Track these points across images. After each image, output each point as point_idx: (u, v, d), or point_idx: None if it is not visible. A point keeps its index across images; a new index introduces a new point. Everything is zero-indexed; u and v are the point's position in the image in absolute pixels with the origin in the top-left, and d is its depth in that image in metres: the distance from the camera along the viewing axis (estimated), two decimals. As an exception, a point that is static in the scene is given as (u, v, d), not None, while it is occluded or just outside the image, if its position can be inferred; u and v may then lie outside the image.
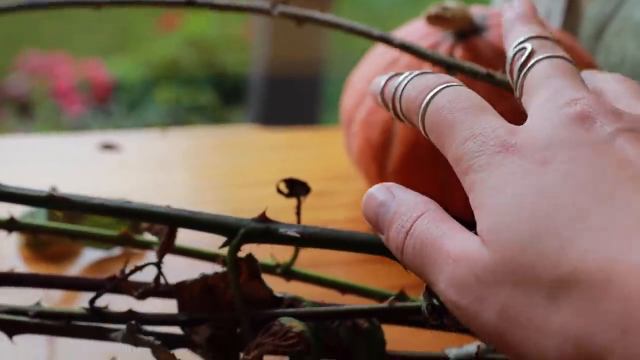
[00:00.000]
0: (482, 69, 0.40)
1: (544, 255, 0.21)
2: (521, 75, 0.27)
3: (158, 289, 0.35)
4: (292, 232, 0.32)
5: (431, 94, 0.27)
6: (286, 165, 0.56)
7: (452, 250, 0.24)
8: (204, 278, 0.34)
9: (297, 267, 0.39)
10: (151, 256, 0.44)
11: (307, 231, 0.32)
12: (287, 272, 0.39)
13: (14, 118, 1.74)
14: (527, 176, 0.22)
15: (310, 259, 0.40)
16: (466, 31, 0.47)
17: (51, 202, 0.34)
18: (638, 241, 0.20)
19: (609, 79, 0.28)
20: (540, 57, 0.26)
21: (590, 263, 0.20)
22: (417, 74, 0.28)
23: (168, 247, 0.35)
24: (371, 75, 0.49)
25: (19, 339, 0.34)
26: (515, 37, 0.28)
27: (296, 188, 0.36)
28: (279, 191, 0.35)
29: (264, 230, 0.32)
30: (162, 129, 0.60)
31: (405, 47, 0.41)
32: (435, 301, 0.27)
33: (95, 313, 0.34)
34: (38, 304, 0.34)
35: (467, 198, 0.50)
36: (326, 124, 1.58)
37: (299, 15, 0.41)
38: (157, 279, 0.35)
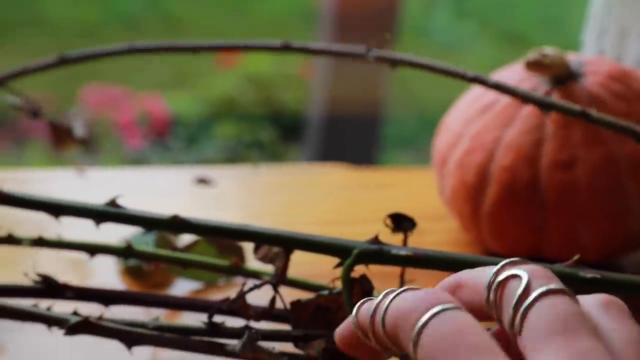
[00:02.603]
0: (576, 107, 0.40)
1: None
2: (518, 314, 0.23)
3: (273, 310, 0.36)
4: (404, 252, 0.33)
5: (428, 314, 0.23)
6: (376, 204, 0.57)
7: None
8: (318, 298, 0.35)
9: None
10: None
11: (419, 252, 0.33)
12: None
13: (76, 151, 1.78)
14: None
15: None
16: (563, 77, 0.48)
17: (174, 224, 0.36)
18: None
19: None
20: (540, 292, 0.23)
21: None
22: (404, 289, 0.25)
23: (284, 269, 0.36)
24: (466, 116, 0.50)
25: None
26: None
27: (403, 223, 0.37)
28: (386, 225, 0.36)
29: (377, 251, 0.34)
30: (253, 165, 0.62)
31: (499, 87, 0.42)
32: None
33: (213, 328, 0.35)
34: (157, 318, 0.36)
35: (563, 242, 0.49)
36: (385, 164, 1.59)
37: (393, 59, 0.42)
38: (272, 300, 0.36)
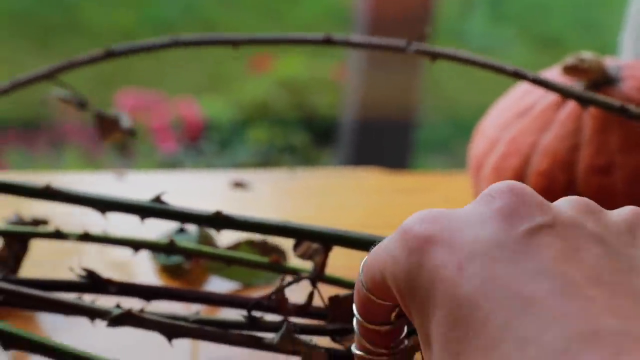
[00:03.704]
0: (615, 102, 0.40)
1: None
2: None
3: (311, 305, 0.37)
4: None
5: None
6: (410, 208, 0.58)
7: None
8: None
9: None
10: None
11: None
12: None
13: (112, 154, 1.80)
14: (446, 285, 0.22)
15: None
16: (600, 82, 0.48)
17: (217, 220, 0.37)
18: None
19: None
20: None
21: None
22: None
23: (323, 265, 0.36)
24: (502, 121, 0.51)
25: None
26: None
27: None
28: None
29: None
30: (290, 169, 0.63)
31: (538, 81, 0.42)
32: None
33: (252, 322, 0.36)
34: (197, 312, 0.36)
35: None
36: (418, 168, 1.59)
37: (433, 52, 0.43)
38: (310, 295, 0.36)
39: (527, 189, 0.23)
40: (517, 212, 0.22)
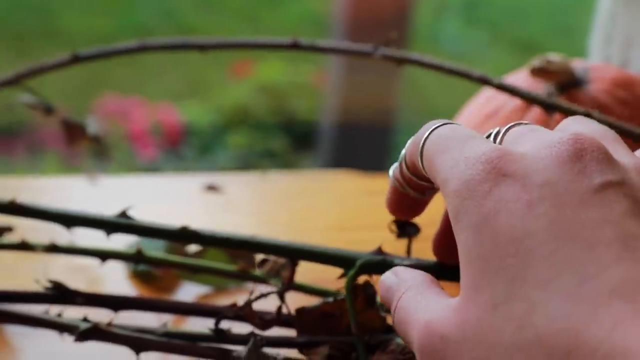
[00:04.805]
0: (580, 109, 0.41)
1: (511, 318, 0.22)
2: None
3: (280, 319, 0.36)
4: (407, 263, 0.34)
5: (430, 129, 0.27)
6: (386, 210, 0.58)
7: (422, 317, 0.25)
8: (323, 305, 0.35)
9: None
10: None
11: (422, 263, 0.34)
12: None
13: (90, 160, 1.79)
14: (512, 217, 0.23)
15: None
16: (568, 84, 0.49)
17: (183, 235, 0.37)
18: (605, 311, 0.20)
19: (584, 122, 0.27)
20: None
21: (555, 330, 0.21)
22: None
23: (291, 279, 0.36)
24: (471, 124, 0.51)
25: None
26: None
27: (407, 229, 0.37)
28: (391, 231, 0.37)
29: (380, 261, 0.34)
30: (262, 172, 0.63)
31: (503, 87, 0.42)
32: None
33: (219, 334, 0.36)
34: (165, 324, 0.36)
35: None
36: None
37: (399, 58, 0.43)
38: (279, 308, 0.36)
39: (600, 144, 0.24)
40: (590, 166, 0.23)
